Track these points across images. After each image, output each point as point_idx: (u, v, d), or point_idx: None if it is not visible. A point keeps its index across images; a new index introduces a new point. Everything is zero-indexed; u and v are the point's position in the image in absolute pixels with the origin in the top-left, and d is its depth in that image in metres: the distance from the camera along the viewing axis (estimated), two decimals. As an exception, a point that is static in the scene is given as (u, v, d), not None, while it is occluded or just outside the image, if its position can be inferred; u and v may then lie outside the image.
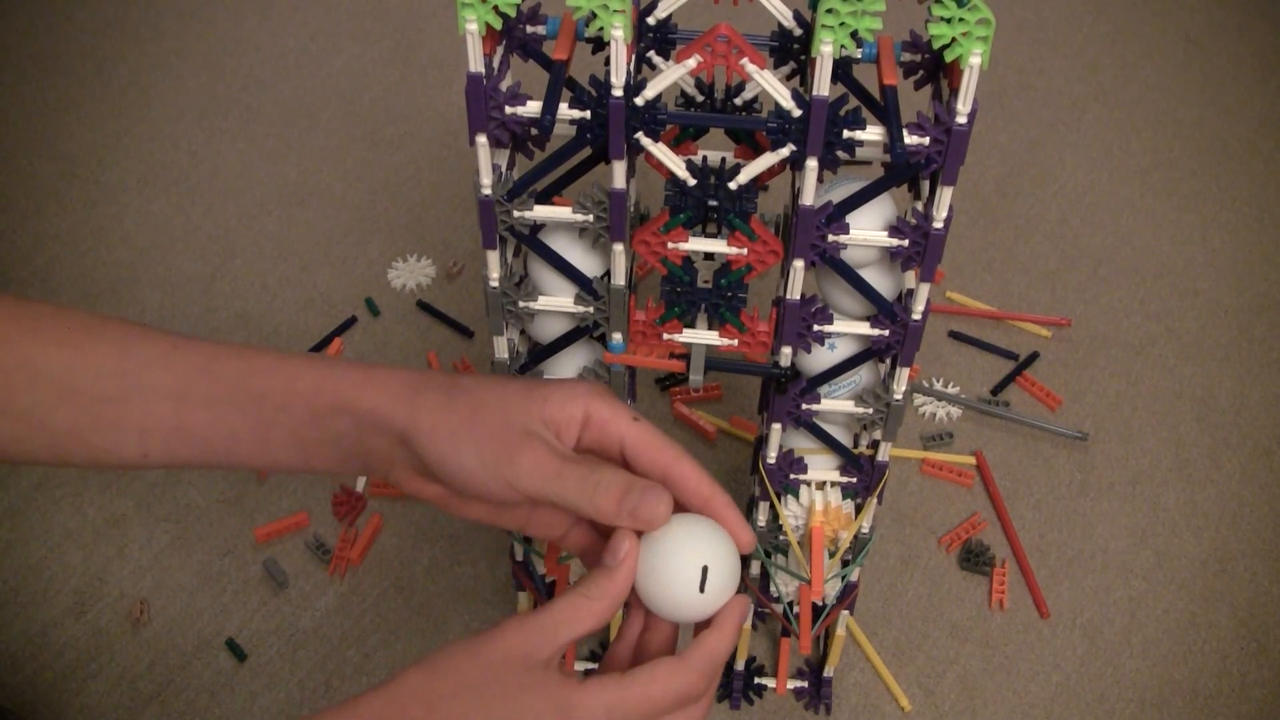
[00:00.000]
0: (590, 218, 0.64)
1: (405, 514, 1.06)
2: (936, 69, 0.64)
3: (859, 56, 0.64)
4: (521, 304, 0.69)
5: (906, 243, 0.63)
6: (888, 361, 0.72)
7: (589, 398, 0.59)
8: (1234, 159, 1.46)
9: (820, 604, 0.83)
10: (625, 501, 0.56)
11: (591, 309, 0.69)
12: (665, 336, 0.70)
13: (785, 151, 0.60)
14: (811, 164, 0.60)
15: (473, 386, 0.60)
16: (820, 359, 0.71)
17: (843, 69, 0.62)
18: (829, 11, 0.55)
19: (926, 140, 0.59)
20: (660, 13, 0.67)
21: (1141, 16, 1.68)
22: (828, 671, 0.93)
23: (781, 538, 0.81)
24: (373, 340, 1.21)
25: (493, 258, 0.67)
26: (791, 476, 0.77)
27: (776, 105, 0.59)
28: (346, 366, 0.62)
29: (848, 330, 0.69)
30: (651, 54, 0.67)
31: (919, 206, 0.64)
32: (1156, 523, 1.08)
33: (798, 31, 0.67)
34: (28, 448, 0.61)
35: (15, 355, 0.60)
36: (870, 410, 0.72)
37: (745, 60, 0.60)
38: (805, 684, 0.95)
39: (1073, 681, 0.97)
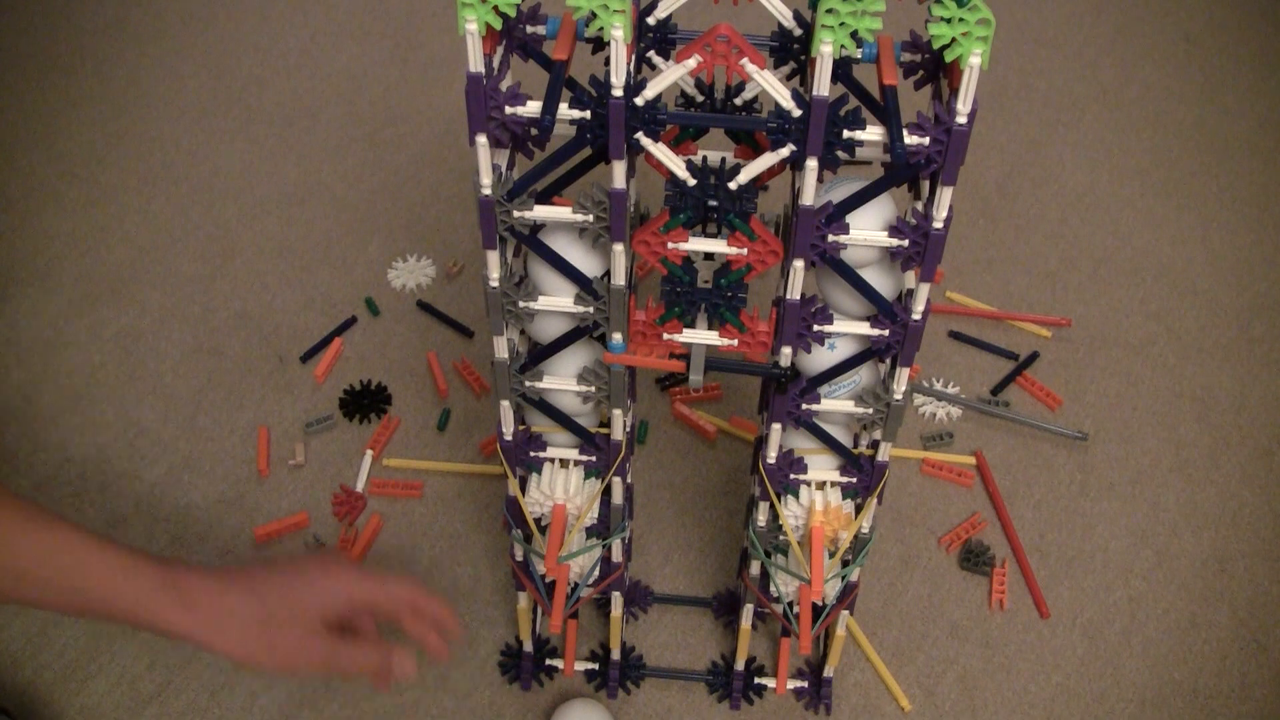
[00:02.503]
0: (590, 218, 0.64)
1: (405, 514, 1.06)
2: (936, 69, 0.64)
3: (859, 56, 0.64)
4: (521, 304, 0.69)
5: (906, 243, 0.63)
6: (888, 361, 0.72)
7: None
8: (1234, 159, 1.46)
9: (820, 604, 0.83)
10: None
11: (591, 309, 0.69)
12: (665, 336, 0.70)
13: (785, 151, 0.60)
14: (811, 164, 0.60)
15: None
16: (820, 359, 0.71)
17: (843, 69, 0.63)
18: (829, 11, 0.55)
19: (926, 140, 0.59)
20: (660, 13, 0.67)
21: (1141, 16, 1.68)
22: (828, 671, 0.93)
23: (781, 538, 0.81)
24: (373, 340, 1.21)
25: (493, 258, 0.67)
26: (791, 476, 0.77)
27: (776, 105, 0.59)
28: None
29: (848, 330, 0.69)
30: (651, 54, 0.67)
31: (919, 206, 0.64)
32: (1156, 523, 1.08)
33: (798, 31, 0.67)
34: None
35: None
36: (870, 410, 0.72)
37: (745, 60, 0.60)
38: (805, 684, 0.95)
39: (1073, 681, 0.97)
